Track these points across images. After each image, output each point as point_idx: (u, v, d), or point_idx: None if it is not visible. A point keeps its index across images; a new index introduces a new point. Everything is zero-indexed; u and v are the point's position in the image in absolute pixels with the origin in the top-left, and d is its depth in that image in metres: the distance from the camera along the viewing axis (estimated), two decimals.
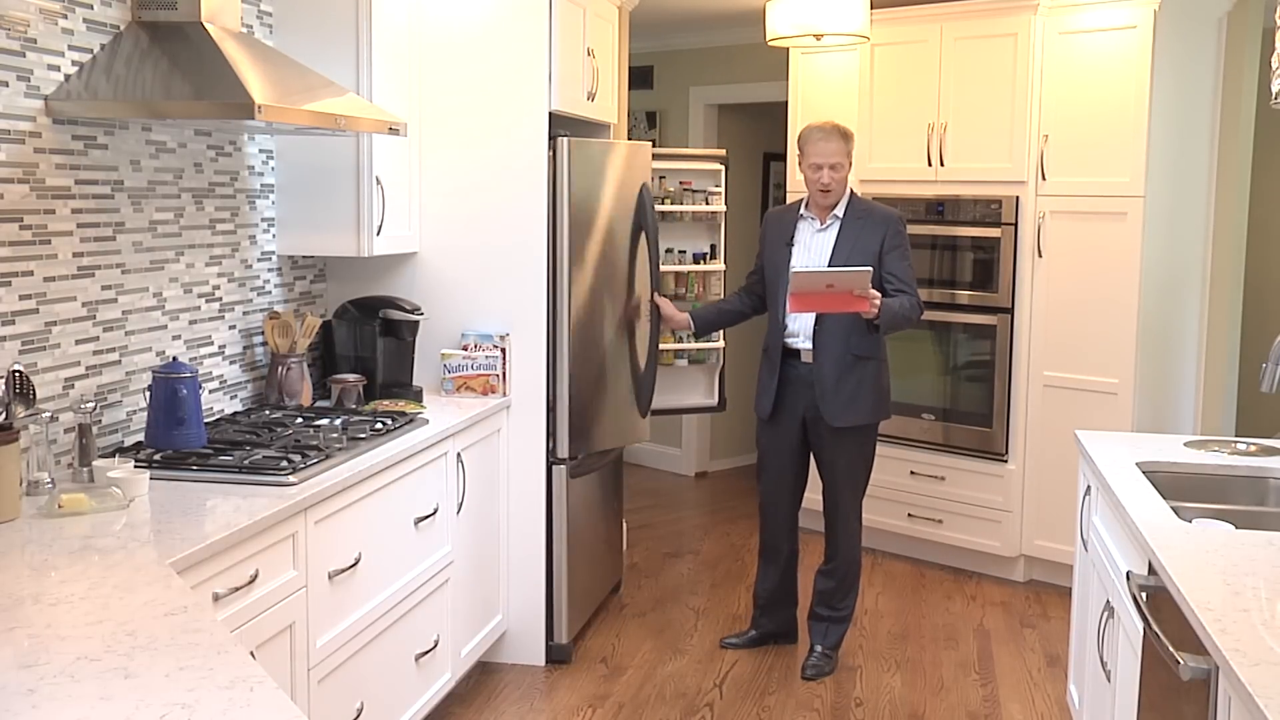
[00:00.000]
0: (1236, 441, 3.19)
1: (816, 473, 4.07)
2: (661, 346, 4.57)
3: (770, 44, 4.87)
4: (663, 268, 4.61)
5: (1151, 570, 2.28)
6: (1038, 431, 4.84)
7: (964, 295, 4.96)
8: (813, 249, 3.89)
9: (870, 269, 3.63)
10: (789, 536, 4.12)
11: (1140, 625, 2.30)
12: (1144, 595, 2.25)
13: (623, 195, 4.23)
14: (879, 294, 3.65)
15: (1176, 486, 2.91)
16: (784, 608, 4.21)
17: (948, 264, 5.01)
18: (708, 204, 4.81)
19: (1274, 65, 2.55)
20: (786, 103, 5.57)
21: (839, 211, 3.88)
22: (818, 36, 4.65)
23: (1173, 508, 2.55)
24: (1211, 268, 4.96)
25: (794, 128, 5.54)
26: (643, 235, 4.28)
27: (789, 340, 3.90)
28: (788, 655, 4.15)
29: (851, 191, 3.94)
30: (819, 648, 4.03)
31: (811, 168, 3.84)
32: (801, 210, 3.95)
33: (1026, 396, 4.85)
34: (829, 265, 3.80)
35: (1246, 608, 1.94)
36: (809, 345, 3.85)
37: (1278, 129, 5.46)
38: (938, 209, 5.00)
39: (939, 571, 5.12)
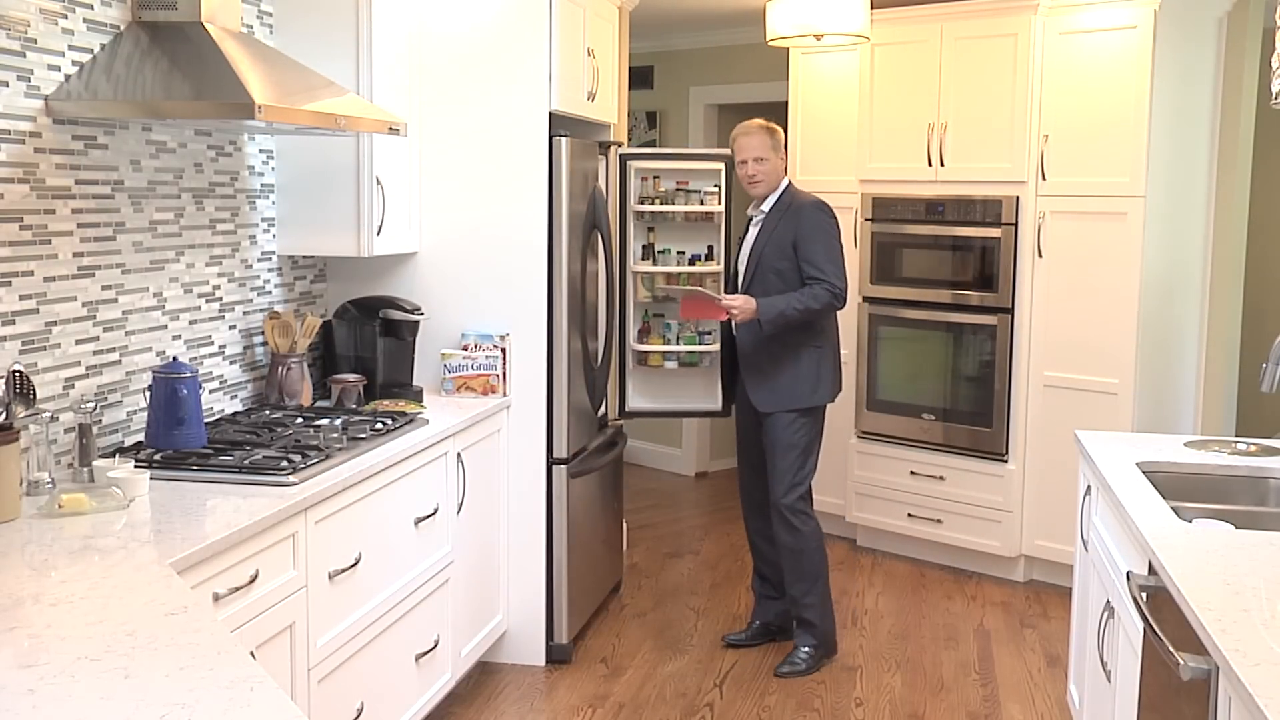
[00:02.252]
0: (1237, 441, 3.19)
1: None
2: (649, 348, 4.56)
3: (770, 44, 4.86)
4: (659, 268, 4.61)
5: (1152, 570, 2.28)
6: (1038, 431, 4.84)
7: (964, 295, 4.96)
8: (748, 243, 4.01)
9: (699, 289, 4.06)
10: (764, 525, 4.14)
11: (1140, 625, 2.30)
12: (1144, 595, 2.24)
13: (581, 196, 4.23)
14: (734, 301, 3.83)
15: (1177, 487, 2.91)
16: (775, 599, 4.22)
17: (948, 264, 5.00)
18: (702, 204, 4.74)
19: (1274, 65, 2.55)
20: (787, 103, 5.57)
21: (765, 206, 3.97)
22: (818, 36, 4.65)
23: (1173, 508, 2.55)
24: (1211, 268, 4.96)
25: (794, 128, 5.55)
26: (597, 235, 4.24)
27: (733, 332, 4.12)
28: (787, 655, 4.15)
29: (789, 185, 4.00)
30: (796, 645, 4.06)
31: (738, 164, 3.98)
32: (752, 210, 4.08)
33: (1027, 396, 4.85)
34: (749, 255, 3.99)
35: (1247, 608, 1.93)
36: (746, 337, 3.98)
37: (1278, 129, 5.46)
38: (938, 209, 5.00)
39: (939, 571, 5.12)
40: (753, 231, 4.00)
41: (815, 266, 3.84)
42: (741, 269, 4.03)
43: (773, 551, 4.11)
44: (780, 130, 4.01)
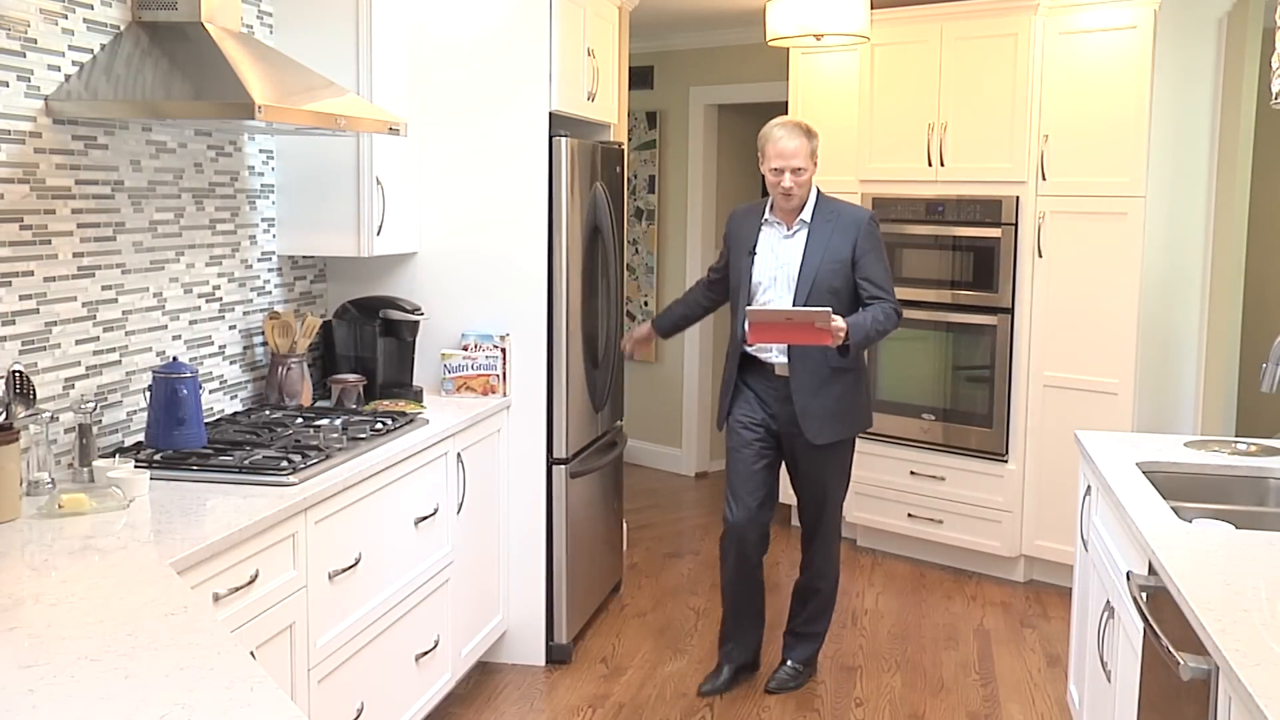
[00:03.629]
0: (1237, 441, 3.19)
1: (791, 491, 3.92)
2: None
3: (770, 44, 4.87)
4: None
5: (1152, 570, 2.28)
6: (1038, 432, 4.84)
7: (964, 295, 4.96)
8: (781, 256, 3.63)
9: (829, 309, 3.39)
10: (760, 562, 3.83)
11: (1140, 625, 2.30)
12: (1144, 595, 2.24)
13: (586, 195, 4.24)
14: (842, 325, 3.40)
15: (1177, 487, 2.91)
16: (750, 635, 3.94)
17: (948, 264, 5.00)
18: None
19: (1274, 65, 2.55)
20: (787, 103, 5.57)
21: (805, 215, 3.62)
22: (818, 36, 4.64)
23: (1173, 508, 2.55)
24: (1212, 267, 4.96)
25: None
26: (597, 235, 4.24)
27: (760, 354, 3.67)
28: None
29: (818, 191, 3.69)
30: (790, 662, 3.90)
31: (772, 171, 3.58)
32: (766, 214, 3.67)
33: (1027, 397, 4.85)
34: (799, 273, 3.59)
35: (1247, 608, 1.93)
36: (784, 359, 3.62)
37: (1278, 129, 5.46)
38: (938, 209, 5.00)
39: (939, 572, 5.12)
40: (786, 244, 3.63)
41: (878, 285, 3.59)
42: (763, 283, 3.65)
43: (761, 587, 3.88)
44: (817, 133, 3.68)
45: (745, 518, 3.70)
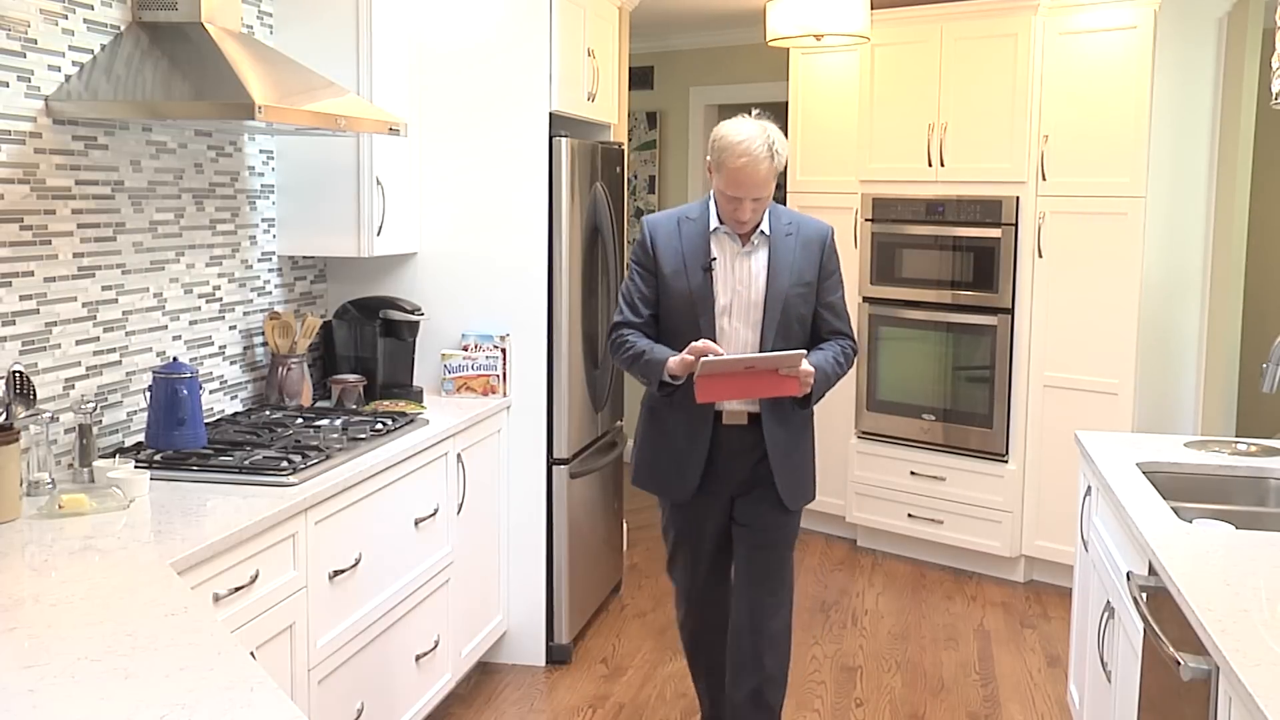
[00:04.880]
0: (1237, 442, 3.19)
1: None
2: None
3: (770, 44, 4.87)
4: None
5: (1152, 571, 2.28)
6: (1038, 432, 4.84)
7: (964, 296, 4.96)
8: (740, 276, 2.97)
9: (804, 351, 2.87)
10: (722, 649, 3.21)
11: (1141, 625, 2.30)
12: (1144, 596, 2.25)
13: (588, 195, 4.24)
14: (811, 370, 2.85)
15: (1177, 487, 2.91)
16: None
17: (948, 264, 5.01)
18: None
19: (1274, 65, 2.55)
20: (787, 103, 5.57)
21: (764, 226, 2.98)
22: (818, 37, 4.65)
23: (1173, 508, 2.55)
24: (1212, 268, 4.97)
25: (794, 128, 5.55)
26: (597, 235, 4.23)
27: (724, 402, 2.98)
28: None
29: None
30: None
31: (727, 198, 2.90)
32: (715, 222, 2.99)
33: (1027, 397, 4.85)
34: (765, 298, 2.95)
35: (1247, 608, 1.93)
36: (755, 406, 2.99)
37: (1278, 129, 5.46)
38: (938, 209, 5.00)
39: (939, 572, 5.12)
40: (744, 262, 2.97)
41: (840, 317, 3.06)
42: (725, 307, 2.97)
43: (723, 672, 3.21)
44: (784, 142, 2.94)
45: (706, 592, 3.20)
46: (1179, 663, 1.88)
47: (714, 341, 2.87)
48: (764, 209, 2.94)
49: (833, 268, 3.06)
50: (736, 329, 2.97)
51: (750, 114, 2.93)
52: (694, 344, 2.82)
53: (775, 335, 2.95)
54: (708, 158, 2.97)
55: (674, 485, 3.07)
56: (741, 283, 2.98)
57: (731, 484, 3.05)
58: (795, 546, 3.18)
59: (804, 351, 2.85)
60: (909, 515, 5.19)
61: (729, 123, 2.90)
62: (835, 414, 5.36)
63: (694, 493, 3.04)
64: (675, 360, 2.87)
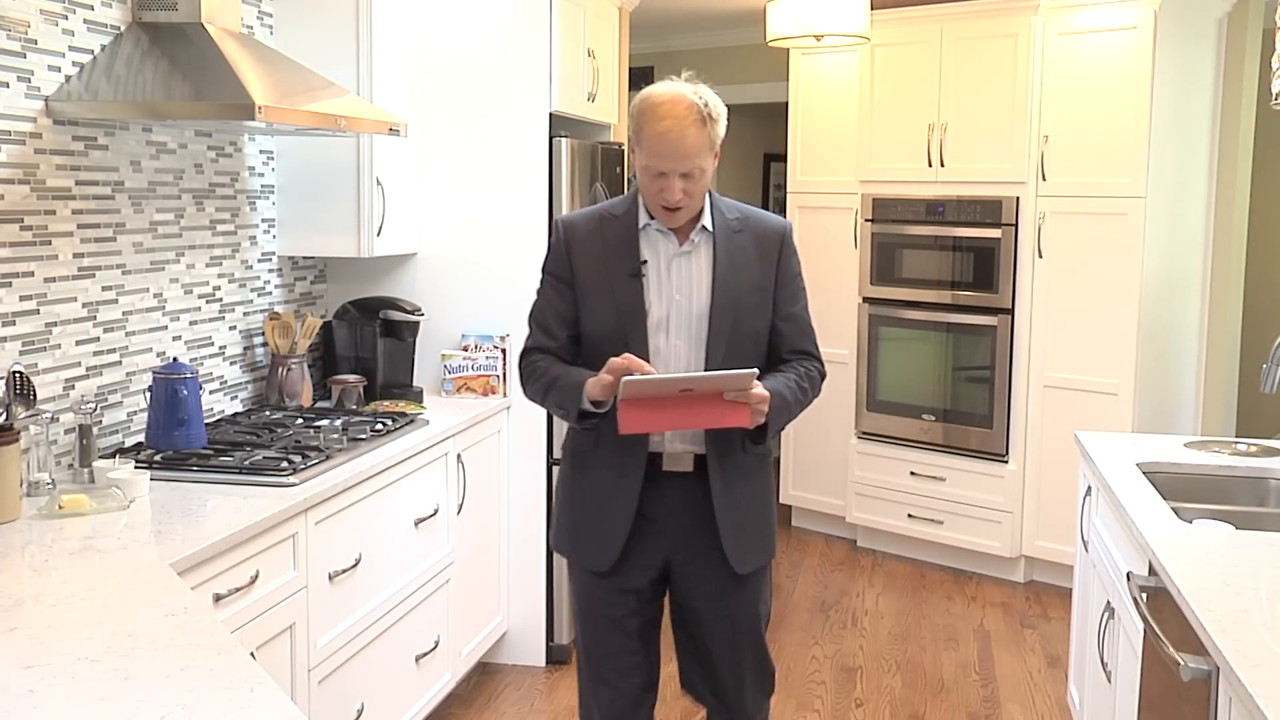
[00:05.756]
0: (1237, 442, 3.19)
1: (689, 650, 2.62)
2: None
3: (770, 45, 4.87)
4: None
5: (1152, 571, 2.28)
6: (1038, 432, 4.84)
7: (964, 296, 4.96)
8: (679, 282, 2.38)
9: (755, 370, 2.25)
10: None
11: (1141, 626, 2.30)
12: (1144, 596, 2.25)
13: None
14: (765, 394, 2.27)
15: (1177, 487, 2.91)
16: None
17: (948, 265, 5.01)
18: None
19: (1274, 66, 2.55)
20: (787, 104, 5.58)
21: (705, 221, 2.40)
22: (818, 37, 4.65)
23: (1173, 508, 2.55)
24: (1212, 268, 4.97)
25: (795, 129, 5.55)
26: None
27: (656, 441, 2.37)
28: (788, 656, 4.15)
29: (710, 190, 2.44)
30: None
31: (651, 175, 2.30)
32: (645, 217, 2.40)
33: (1027, 397, 4.85)
34: (710, 308, 2.36)
35: (1247, 608, 1.94)
36: (701, 447, 2.38)
37: (1278, 130, 5.46)
38: (938, 209, 5.00)
39: (939, 572, 5.12)
40: (683, 264, 2.39)
41: (806, 335, 2.49)
42: (661, 321, 2.37)
43: None
44: (720, 115, 2.33)
45: (627, 710, 2.51)
46: (1179, 663, 1.88)
47: (649, 365, 2.27)
48: (699, 193, 2.33)
49: (792, 271, 2.46)
50: (675, 348, 2.36)
51: (681, 76, 2.35)
52: (613, 360, 2.23)
53: (725, 355, 2.34)
54: (629, 133, 2.41)
55: (593, 549, 2.42)
56: (680, 290, 2.37)
57: (671, 547, 2.42)
58: (767, 622, 2.55)
59: (755, 371, 2.24)
60: (909, 515, 5.19)
61: (652, 85, 2.34)
62: (835, 414, 5.36)
63: (616, 559, 2.39)
64: (593, 381, 2.27)
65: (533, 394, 2.49)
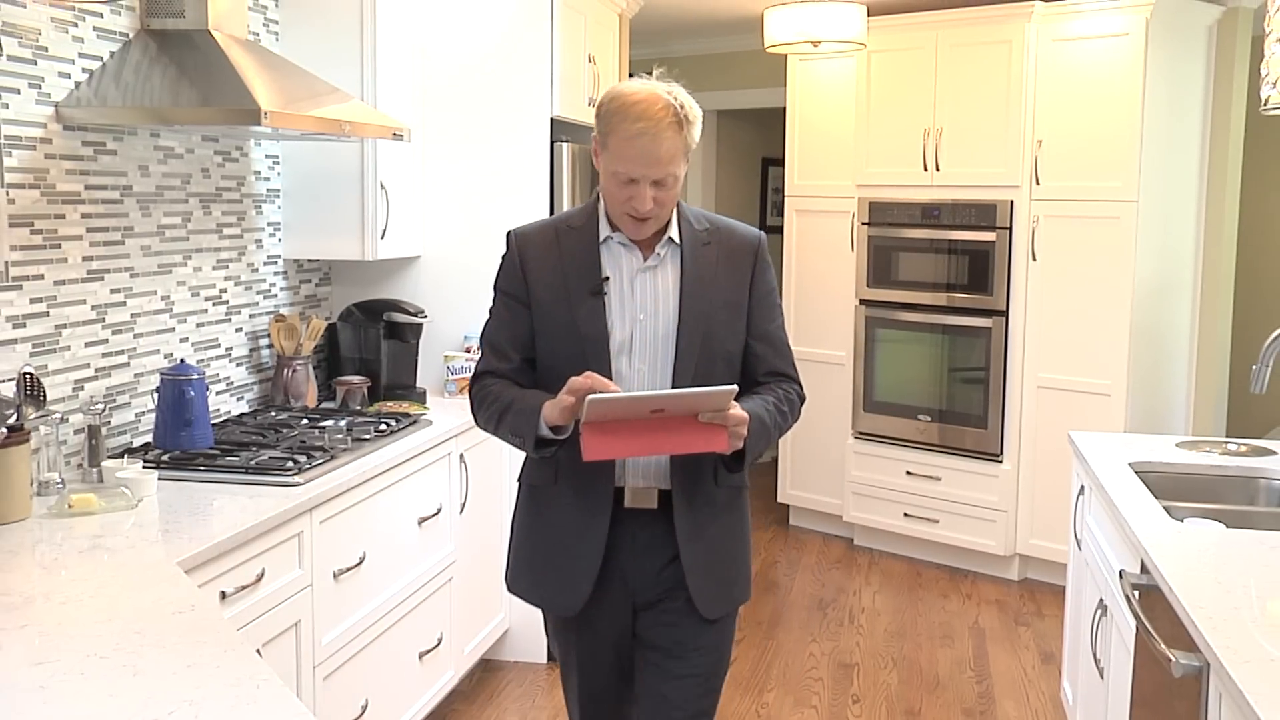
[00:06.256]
0: (1227, 442, 3.19)
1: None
2: None
3: (769, 51, 4.87)
4: None
5: (1144, 569, 2.28)
6: (1032, 432, 4.84)
7: (959, 298, 4.97)
8: (643, 300, 2.14)
9: (735, 387, 2.00)
10: None
11: (1133, 623, 2.30)
12: (1136, 593, 2.25)
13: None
14: (744, 416, 2.02)
15: (1168, 486, 2.91)
16: None
17: (943, 267, 5.01)
18: None
19: (1263, 72, 2.55)
20: (785, 109, 5.58)
21: (673, 232, 2.17)
22: (815, 43, 4.65)
23: (1165, 507, 2.55)
24: (1203, 271, 4.97)
25: (792, 133, 5.55)
26: None
27: (619, 475, 2.14)
28: (786, 653, 4.16)
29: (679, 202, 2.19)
30: None
31: (619, 182, 2.07)
32: (606, 229, 2.16)
33: (1021, 398, 4.85)
34: (678, 327, 2.12)
35: (1237, 606, 1.94)
36: (667, 482, 2.14)
37: (1267, 135, 5.47)
38: (933, 213, 5.01)
39: (935, 570, 5.12)
40: (649, 280, 2.15)
41: (783, 355, 2.24)
42: (624, 343, 2.13)
43: None
44: (697, 118, 2.12)
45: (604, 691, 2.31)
46: (1170, 659, 1.88)
47: (614, 384, 2.04)
48: (670, 202, 2.11)
49: (767, 287, 2.23)
50: (640, 371, 2.13)
51: (652, 75, 2.16)
52: (574, 379, 2.00)
53: (694, 379, 2.11)
54: (594, 134, 2.13)
55: (558, 594, 2.21)
56: (645, 309, 2.14)
57: (635, 590, 2.19)
58: (727, 665, 2.28)
59: (733, 388, 1.99)
60: (905, 514, 5.19)
61: (621, 84, 2.14)
62: (832, 415, 5.36)
63: (584, 603, 2.17)
64: (551, 404, 2.04)
65: (485, 422, 2.23)
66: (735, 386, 2.00)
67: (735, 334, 2.18)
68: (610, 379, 2.07)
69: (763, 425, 2.10)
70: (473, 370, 2.28)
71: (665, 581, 2.18)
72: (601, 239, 2.16)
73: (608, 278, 2.14)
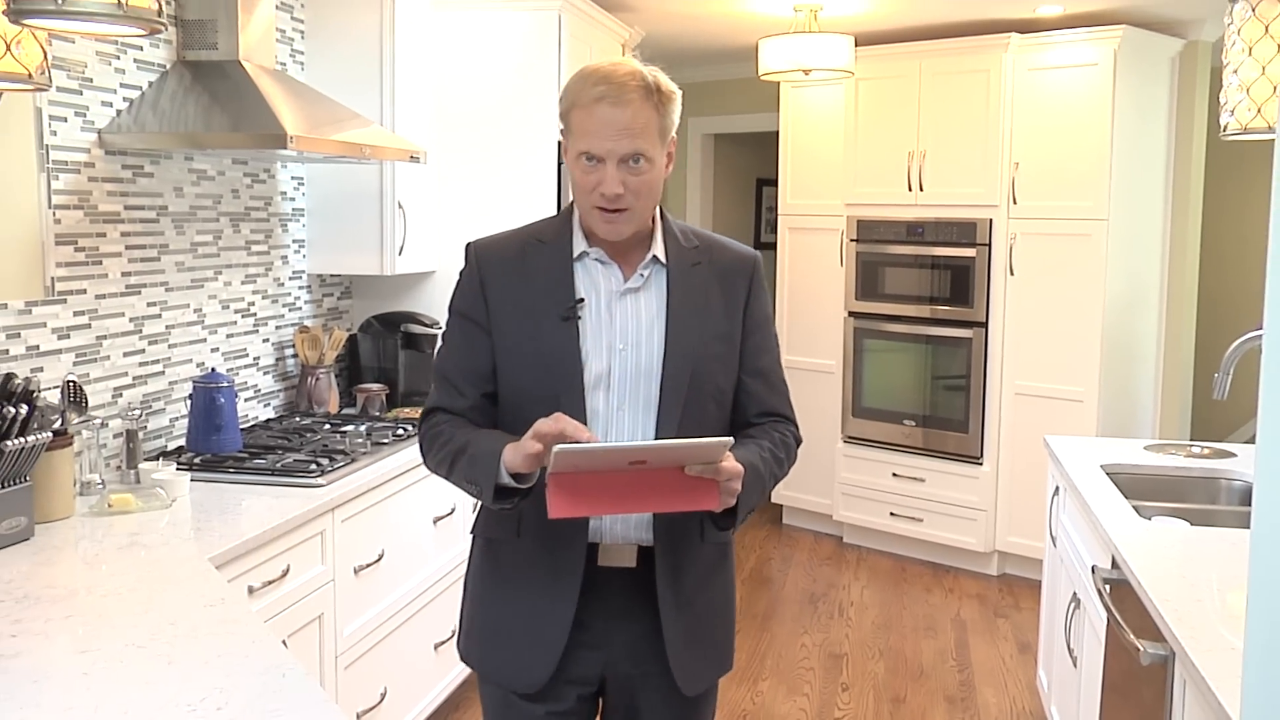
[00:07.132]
0: (1192, 445, 3.20)
1: None
2: None
3: (763, 78, 4.89)
4: None
5: (1114, 564, 2.29)
6: (1010, 436, 4.85)
7: (942, 310, 4.98)
8: (623, 327, 1.73)
9: (731, 439, 1.57)
10: None
11: (1104, 615, 2.31)
12: (1107, 587, 2.26)
13: None
14: (739, 469, 1.61)
15: (1137, 487, 2.92)
16: None
17: (927, 281, 5.02)
18: None
19: (1222, 101, 2.57)
20: (778, 132, 5.60)
21: (658, 250, 1.76)
22: (806, 71, 4.67)
23: (1134, 506, 2.56)
24: (1168, 285, 4.98)
25: (785, 155, 5.57)
26: None
27: (593, 528, 1.72)
28: (779, 644, 4.16)
29: (661, 211, 1.81)
30: None
31: (583, 167, 1.68)
32: (582, 244, 1.77)
33: (1000, 404, 4.86)
34: (663, 359, 1.72)
35: (1201, 598, 1.95)
36: (648, 536, 1.73)
37: (1227, 158, 5.48)
38: (917, 230, 5.02)
39: (919, 566, 5.12)
40: (629, 304, 1.74)
41: (779, 393, 1.84)
42: (601, 376, 1.72)
43: None
44: (675, 93, 1.74)
45: None
46: (1139, 649, 1.89)
47: (587, 430, 1.62)
48: (646, 192, 1.69)
49: (763, 315, 1.82)
50: (619, 411, 1.72)
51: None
52: (541, 423, 1.58)
53: (681, 420, 1.71)
54: (562, 133, 1.74)
55: (519, 668, 1.75)
56: (625, 338, 1.73)
57: (605, 662, 1.76)
58: None
59: (730, 440, 1.57)
60: (891, 514, 5.20)
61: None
62: (823, 420, 5.37)
63: (549, 678, 1.73)
64: (514, 449, 1.61)
65: (435, 465, 1.78)
66: (731, 439, 1.57)
67: (727, 369, 1.77)
68: (584, 419, 1.68)
69: (758, 477, 1.68)
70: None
71: (641, 653, 1.75)
72: (576, 255, 1.75)
73: (582, 300, 1.72)
